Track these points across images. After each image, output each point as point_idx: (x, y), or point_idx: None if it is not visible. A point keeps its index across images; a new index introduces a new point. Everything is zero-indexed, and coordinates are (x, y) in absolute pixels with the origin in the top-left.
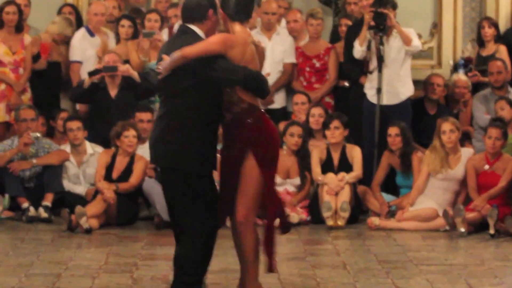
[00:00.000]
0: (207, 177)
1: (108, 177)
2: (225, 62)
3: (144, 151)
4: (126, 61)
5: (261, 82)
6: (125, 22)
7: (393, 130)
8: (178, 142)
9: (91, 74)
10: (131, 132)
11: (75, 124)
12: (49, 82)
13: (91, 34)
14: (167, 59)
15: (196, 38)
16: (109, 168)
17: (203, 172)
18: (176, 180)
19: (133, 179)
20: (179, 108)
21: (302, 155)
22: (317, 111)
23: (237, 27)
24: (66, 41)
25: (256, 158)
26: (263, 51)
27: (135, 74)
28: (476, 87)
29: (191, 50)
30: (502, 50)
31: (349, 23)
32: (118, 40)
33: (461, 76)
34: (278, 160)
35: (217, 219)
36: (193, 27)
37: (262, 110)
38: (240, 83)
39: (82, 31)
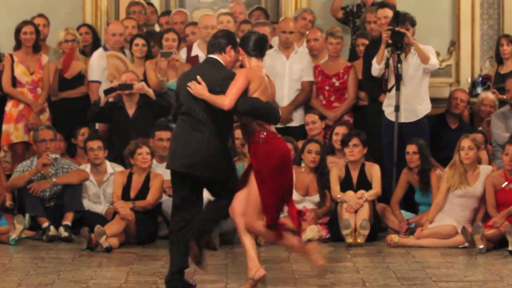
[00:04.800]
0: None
1: (126, 197)
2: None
3: (164, 170)
4: (143, 81)
5: (267, 112)
6: (139, 41)
7: (411, 148)
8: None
9: (106, 92)
10: (144, 149)
11: (95, 144)
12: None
13: None
14: (203, 86)
15: (220, 67)
16: (127, 188)
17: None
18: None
19: (150, 197)
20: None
21: (321, 173)
22: (341, 130)
23: (253, 61)
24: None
25: (254, 172)
26: (273, 84)
27: (150, 92)
28: None
29: (230, 95)
30: None
31: (366, 42)
32: (133, 60)
33: (489, 94)
34: (278, 176)
35: None
36: (216, 57)
37: (273, 130)
38: (246, 112)
39: (100, 51)
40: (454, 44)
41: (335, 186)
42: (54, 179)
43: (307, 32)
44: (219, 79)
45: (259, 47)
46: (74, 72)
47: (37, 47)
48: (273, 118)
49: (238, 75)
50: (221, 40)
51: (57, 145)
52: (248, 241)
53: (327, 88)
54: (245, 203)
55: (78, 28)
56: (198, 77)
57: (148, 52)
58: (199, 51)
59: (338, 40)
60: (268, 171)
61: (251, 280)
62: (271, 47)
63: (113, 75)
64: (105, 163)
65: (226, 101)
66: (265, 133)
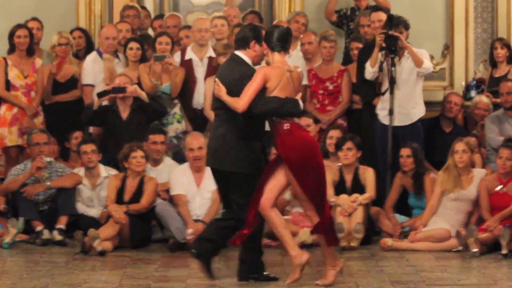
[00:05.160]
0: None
1: (120, 201)
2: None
3: (157, 173)
4: (137, 84)
5: (284, 110)
6: (133, 45)
7: (405, 151)
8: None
9: (100, 95)
10: (139, 153)
11: (89, 147)
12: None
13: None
14: (222, 87)
15: (241, 65)
16: (121, 191)
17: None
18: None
19: (144, 200)
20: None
21: None
22: (335, 133)
23: (276, 56)
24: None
25: (287, 164)
26: (299, 75)
27: (143, 95)
28: None
29: (245, 97)
30: None
31: (360, 45)
32: (127, 63)
33: (483, 98)
34: (319, 166)
35: None
36: (240, 53)
37: (295, 122)
38: (260, 114)
39: (93, 55)
40: (448, 48)
41: (329, 189)
42: (48, 183)
43: (301, 36)
44: (236, 79)
45: (282, 41)
46: (68, 76)
47: (31, 50)
48: (292, 114)
49: (255, 75)
50: (246, 34)
51: (51, 149)
52: (285, 232)
53: (321, 91)
54: (273, 196)
55: (71, 32)
56: (216, 79)
57: (142, 56)
58: (192, 55)
59: (331, 43)
60: (299, 162)
61: (299, 265)
62: None
63: (109, 77)
64: (98, 167)
65: (240, 103)
66: (288, 124)
